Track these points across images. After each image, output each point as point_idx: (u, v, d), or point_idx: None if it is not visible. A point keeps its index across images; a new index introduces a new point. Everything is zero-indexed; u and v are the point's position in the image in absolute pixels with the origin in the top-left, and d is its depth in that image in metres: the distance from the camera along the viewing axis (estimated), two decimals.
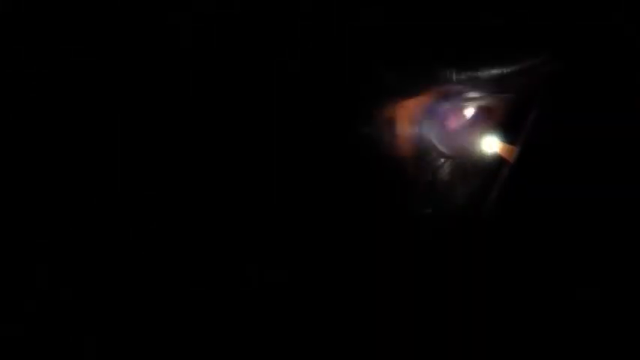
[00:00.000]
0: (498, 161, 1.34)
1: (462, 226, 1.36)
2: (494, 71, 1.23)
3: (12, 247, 1.21)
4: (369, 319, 1.27)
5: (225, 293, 1.26)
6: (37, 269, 1.23)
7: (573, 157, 1.26)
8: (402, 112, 1.30)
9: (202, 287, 1.27)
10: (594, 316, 1.22)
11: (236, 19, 1.22)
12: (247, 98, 1.26)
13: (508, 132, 1.32)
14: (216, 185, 1.28)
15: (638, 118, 1.21)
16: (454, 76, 1.22)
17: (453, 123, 1.33)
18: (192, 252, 1.26)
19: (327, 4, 1.20)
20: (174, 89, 1.25)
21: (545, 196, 1.28)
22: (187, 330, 1.25)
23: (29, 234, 1.22)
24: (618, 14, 1.19)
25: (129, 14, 1.21)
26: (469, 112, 1.33)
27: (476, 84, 1.26)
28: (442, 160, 1.34)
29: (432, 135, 1.32)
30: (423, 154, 1.33)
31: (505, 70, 1.23)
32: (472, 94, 1.30)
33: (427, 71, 1.22)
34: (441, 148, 1.33)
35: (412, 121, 1.31)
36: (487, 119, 1.32)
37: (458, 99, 1.31)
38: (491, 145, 1.33)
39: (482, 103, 1.33)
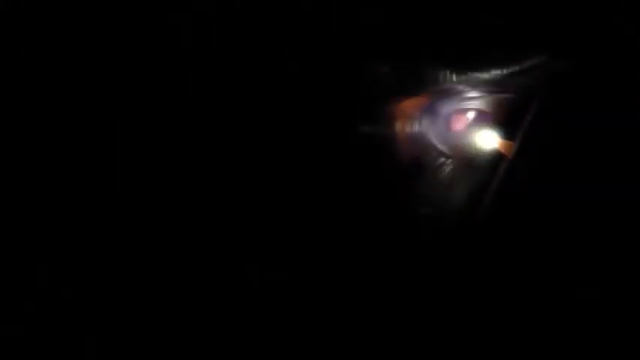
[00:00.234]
0: (498, 160, 1.34)
1: (462, 225, 1.36)
2: (495, 71, 1.23)
3: (12, 246, 1.20)
4: (369, 318, 1.27)
5: (225, 293, 1.26)
6: (37, 269, 1.23)
7: (573, 156, 1.26)
8: (402, 112, 1.30)
9: (202, 287, 1.27)
10: (594, 316, 1.23)
11: (236, 19, 1.22)
12: (247, 98, 1.26)
13: (508, 132, 1.32)
14: (216, 185, 1.28)
15: (638, 117, 1.21)
16: (454, 76, 1.22)
17: (453, 123, 1.33)
18: (192, 252, 1.26)
19: (327, 4, 1.20)
20: (175, 89, 1.25)
21: (543, 196, 1.28)
22: (187, 330, 1.25)
23: (29, 234, 1.22)
24: (618, 14, 1.19)
25: (129, 14, 1.21)
26: (469, 111, 1.33)
27: (476, 84, 1.26)
28: (442, 159, 1.34)
29: (432, 135, 1.32)
30: (423, 153, 1.33)
31: (505, 70, 1.23)
32: (472, 94, 1.30)
33: (427, 71, 1.22)
34: (441, 147, 1.33)
35: (412, 121, 1.31)
36: (487, 119, 1.32)
37: (458, 99, 1.31)
38: (491, 144, 1.33)
39: (483, 102, 1.33)
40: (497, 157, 1.33)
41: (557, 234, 1.26)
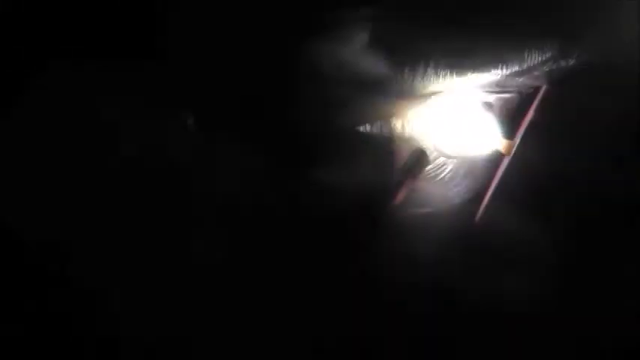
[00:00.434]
0: (498, 160, 1.34)
1: (462, 225, 1.36)
2: (495, 71, 1.23)
3: (12, 246, 1.20)
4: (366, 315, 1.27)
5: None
6: (37, 269, 1.22)
7: (572, 156, 1.27)
8: (402, 112, 1.30)
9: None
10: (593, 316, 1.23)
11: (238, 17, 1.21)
12: (249, 98, 1.26)
13: (508, 131, 1.32)
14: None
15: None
16: (455, 76, 1.22)
17: (453, 122, 1.33)
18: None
19: (327, 4, 1.20)
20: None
21: (542, 194, 1.29)
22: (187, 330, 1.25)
23: (29, 234, 1.22)
24: (618, 14, 1.19)
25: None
26: (470, 111, 1.33)
27: (477, 84, 1.26)
28: (442, 159, 1.34)
29: (432, 134, 1.33)
30: (423, 153, 1.33)
31: (505, 70, 1.23)
32: (473, 94, 1.30)
33: (428, 71, 1.22)
34: (442, 147, 1.33)
35: (413, 121, 1.31)
36: (488, 118, 1.33)
37: (459, 98, 1.31)
38: (491, 143, 1.33)
39: (483, 102, 1.33)
40: (497, 155, 1.34)
41: (552, 232, 1.26)
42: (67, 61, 1.20)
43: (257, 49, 1.22)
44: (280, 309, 1.24)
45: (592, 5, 1.19)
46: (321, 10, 1.20)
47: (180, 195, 1.23)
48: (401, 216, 1.32)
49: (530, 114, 1.30)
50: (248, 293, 1.23)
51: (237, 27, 1.23)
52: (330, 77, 1.21)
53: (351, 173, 1.26)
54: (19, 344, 1.17)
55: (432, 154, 1.33)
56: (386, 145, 1.30)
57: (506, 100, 1.32)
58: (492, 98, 1.32)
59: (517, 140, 1.31)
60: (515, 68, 1.22)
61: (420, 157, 1.32)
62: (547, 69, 1.23)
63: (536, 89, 1.29)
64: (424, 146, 1.32)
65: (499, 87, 1.29)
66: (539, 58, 1.21)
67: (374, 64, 1.22)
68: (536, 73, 1.24)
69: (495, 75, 1.24)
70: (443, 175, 1.36)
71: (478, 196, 1.36)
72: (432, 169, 1.35)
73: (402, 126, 1.30)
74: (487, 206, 1.35)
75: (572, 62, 1.22)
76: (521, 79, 1.26)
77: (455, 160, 1.35)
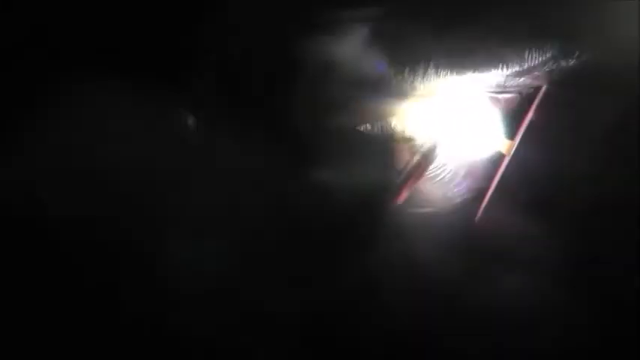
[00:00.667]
0: (498, 159, 1.34)
1: (462, 224, 1.36)
2: (495, 71, 1.23)
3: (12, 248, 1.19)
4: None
5: None
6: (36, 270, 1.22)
7: (572, 155, 1.27)
8: (403, 112, 1.30)
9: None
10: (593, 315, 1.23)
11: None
12: (249, 98, 1.26)
13: (508, 131, 1.32)
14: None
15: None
16: (455, 76, 1.22)
17: (454, 122, 1.33)
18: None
19: (328, 5, 1.20)
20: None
21: (542, 193, 1.28)
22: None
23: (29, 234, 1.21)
24: (618, 14, 1.19)
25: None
26: (470, 111, 1.33)
27: (477, 84, 1.26)
28: (442, 159, 1.34)
29: (433, 134, 1.33)
30: (424, 153, 1.33)
31: (505, 70, 1.23)
32: (473, 94, 1.30)
33: (429, 71, 1.22)
34: (442, 147, 1.33)
35: (413, 121, 1.31)
36: (488, 119, 1.33)
37: (459, 98, 1.31)
38: (491, 143, 1.33)
39: (484, 102, 1.33)
40: (498, 154, 1.34)
41: (551, 231, 1.26)
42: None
43: (257, 49, 1.22)
44: (280, 309, 1.24)
45: (592, 5, 1.18)
46: (322, 11, 1.19)
47: (180, 195, 1.23)
48: (401, 216, 1.32)
49: (530, 114, 1.30)
50: (248, 293, 1.22)
51: (237, 27, 1.23)
52: (331, 77, 1.21)
53: (352, 173, 1.26)
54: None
55: (432, 154, 1.33)
56: (386, 145, 1.30)
57: (506, 100, 1.32)
58: (492, 98, 1.32)
59: (517, 140, 1.31)
60: (516, 68, 1.22)
61: (420, 157, 1.32)
62: (547, 69, 1.23)
63: (536, 89, 1.29)
64: (424, 146, 1.32)
65: (499, 87, 1.29)
66: (540, 58, 1.21)
67: (374, 65, 1.22)
68: (536, 73, 1.24)
69: (495, 75, 1.24)
70: (443, 175, 1.36)
71: (478, 196, 1.36)
72: (432, 169, 1.35)
73: (403, 126, 1.30)
74: (487, 206, 1.35)
75: (572, 62, 1.22)
76: (521, 79, 1.26)
77: (455, 160, 1.35)
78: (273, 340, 1.21)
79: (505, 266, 1.28)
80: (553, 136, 1.29)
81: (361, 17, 1.22)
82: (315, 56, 1.22)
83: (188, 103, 1.25)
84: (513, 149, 1.31)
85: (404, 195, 1.31)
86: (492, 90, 1.30)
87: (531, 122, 1.30)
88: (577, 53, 1.20)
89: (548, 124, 1.29)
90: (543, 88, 1.28)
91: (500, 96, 1.31)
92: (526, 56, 1.21)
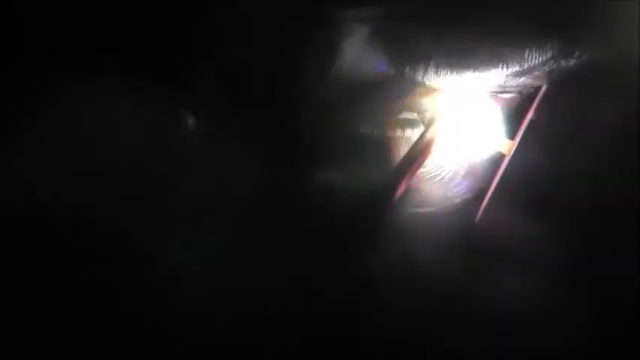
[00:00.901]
0: (498, 159, 1.34)
1: (462, 224, 1.36)
2: (495, 71, 1.23)
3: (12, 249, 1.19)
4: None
5: None
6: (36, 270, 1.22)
7: (572, 156, 1.27)
8: (403, 112, 1.30)
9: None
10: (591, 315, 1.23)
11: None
12: (249, 98, 1.26)
13: (508, 131, 1.32)
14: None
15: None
16: (455, 76, 1.22)
17: (454, 122, 1.33)
18: None
19: (328, 4, 1.20)
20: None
21: (542, 193, 1.29)
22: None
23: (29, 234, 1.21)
24: (618, 14, 1.19)
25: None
26: (470, 111, 1.34)
27: (477, 84, 1.26)
28: (442, 159, 1.35)
29: (433, 134, 1.33)
30: (423, 152, 1.33)
31: (505, 70, 1.23)
32: (473, 94, 1.30)
33: (429, 71, 1.22)
34: (442, 147, 1.33)
35: (413, 121, 1.31)
36: (488, 118, 1.33)
37: (460, 98, 1.31)
38: (491, 143, 1.33)
39: (484, 102, 1.33)
40: (498, 154, 1.34)
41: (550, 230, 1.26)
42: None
43: (257, 49, 1.22)
44: (280, 309, 1.24)
45: (592, 5, 1.18)
46: (322, 11, 1.19)
47: (180, 195, 1.23)
48: (401, 216, 1.32)
49: (530, 114, 1.30)
50: (248, 293, 1.22)
51: (236, 27, 1.23)
52: (331, 77, 1.21)
53: (352, 173, 1.26)
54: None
55: (432, 154, 1.33)
56: (386, 145, 1.30)
57: (506, 100, 1.33)
58: (492, 98, 1.32)
59: (517, 140, 1.31)
60: (516, 68, 1.22)
61: (420, 157, 1.32)
62: (547, 69, 1.23)
63: (536, 89, 1.29)
64: (425, 146, 1.32)
65: (499, 87, 1.29)
66: (540, 58, 1.21)
67: (374, 64, 1.22)
68: (536, 73, 1.24)
69: (495, 75, 1.24)
70: (443, 175, 1.36)
71: (478, 196, 1.36)
72: (432, 169, 1.35)
73: (403, 126, 1.30)
74: (487, 206, 1.35)
75: (572, 62, 1.22)
76: (521, 79, 1.26)
77: (455, 160, 1.35)
78: (272, 340, 1.21)
79: (505, 266, 1.28)
80: (553, 136, 1.29)
81: (361, 17, 1.22)
82: (315, 56, 1.22)
83: (188, 103, 1.25)
84: (513, 149, 1.31)
85: (404, 195, 1.31)
86: (492, 90, 1.31)
87: (531, 122, 1.30)
88: (577, 53, 1.20)
89: (549, 124, 1.29)
90: (543, 88, 1.28)
91: (500, 96, 1.31)
92: (526, 56, 1.21)
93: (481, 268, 1.28)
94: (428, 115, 1.31)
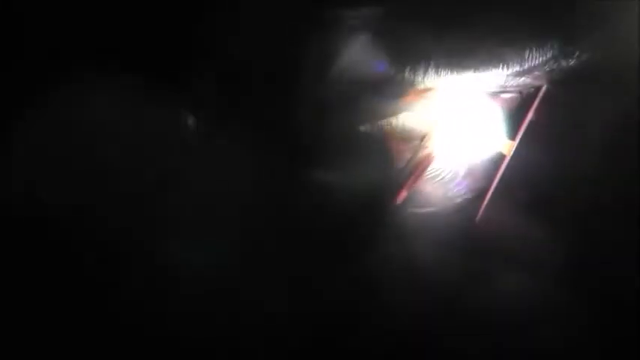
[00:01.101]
0: (498, 159, 1.34)
1: (462, 224, 1.36)
2: (495, 71, 1.23)
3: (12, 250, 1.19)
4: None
5: None
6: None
7: (572, 156, 1.27)
8: (403, 112, 1.30)
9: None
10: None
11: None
12: (249, 98, 1.26)
13: (508, 131, 1.32)
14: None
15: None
16: (455, 76, 1.22)
17: (454, 122, 1.33)
18: None
19: (327, 4, 1.20)
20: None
21: (542, 194, 1.29)
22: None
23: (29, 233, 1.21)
24: (618, 14, 1.19)
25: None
26: (470, 111, 1.34)
27: (477, 84, 1.26)
28: (443, 159, 1.35)
29: (433, 134, 1.33)
30: (423, 152, 1.33)
31: (505, 70, 1.23)
32: (473, 94, 1.30)
33: (429, 71, 1.22)
34: (443, 147, 1.33)
35: (413, 121, 1.31)
36: (488, 118, 1.33)
37: (460, 98, 1.31)
38: (491, 143, 1.33)
39: (484, 102, 1.33)
40: (498, 154, 1.34)
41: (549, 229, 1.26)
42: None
43: (257, 49, 1.22)
44: (280, 309, 1.24)
45: (592, 5, 1.18)
46: (322, 10, 1.19)
47: (180, 195, 1.23)
48: (401, 216, 1.32)
49: (530, 114, 1.30)
50: (247, 293, 1.22)
51: (236, 27, 1.23)
52: (331, 77, 1.21)
53: (352, 173, 1.26)
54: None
55: (432, 154, 1.33)
56: (386, 145, 1.30)
57: (506, 100, 1.33)
58: (492, 98, 1.32)
59: (517, 140, 1.31)
60: (516, 68, 1.22)
61: (420, 157, 1.32)
62: (547, 69, 1.23)
63: (537, 89, 1.29)
64: (425, 146, 1.32)
65: (499, 87, 1.29)
66: (540, 58, 1.21)
67: (374, 64, 1.22)
68: (536, 73, 1.24)
69: (495, 75, 1.24)
70: (443, 175, 1.36)
71: (478, 196, 1.36)
72: (432, 169, 1.35)
73: (403, 126, 1.30)
74: (487, 206, 1.35)
75: (572, 62, 1.22)
76: (521, 79, 1.26)
77: (455, 160, 1.35)
78: (272, 340, 1.22)
79: (505, 266, 1.28)
80: (553, 136, 1.29)
81: (361, 17, 1.22)
82: (315, 56, 1.22)
83: (188, 103, 1.25)
84: (513, 149, 1.31)
85: (404, 195, 1.32)
86: (492, 90, 1.30)
87: (531, 122, 1.30)
88: (577, 53, 1.20)
89: (549, 124, 1.29)
90: (543, 88, 1.28)
91: (500, 96, 1.31)
92: (526, 56, 1.21)
93: (481, 268, 1.28)
94: (428, 115, 1.31)
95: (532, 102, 1.30)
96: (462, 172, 1.36)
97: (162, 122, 1.25)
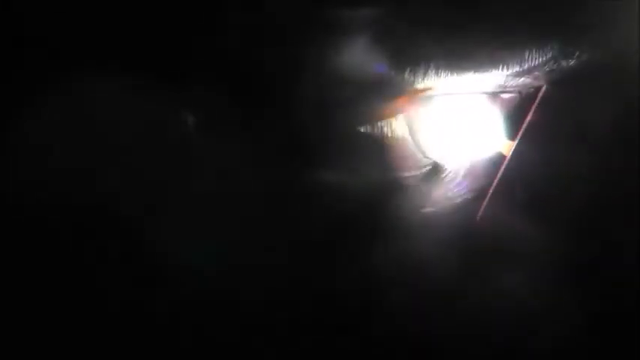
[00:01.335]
0: (498, 159, 1.34)
1: (462, 224, 1.37)
2: (495, 71, 1.23)
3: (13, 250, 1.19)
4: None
5: None
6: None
7: (572, 155, 1.27)
8: (403, 113, 1.30)
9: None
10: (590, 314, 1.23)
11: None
12: (250, 99, 1.26)
13: (508, 131, 1.32)
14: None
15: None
16: (455, 77, 1.23)
17: (454, 123, 1.33)
18: None
19: (328, 5, 1.20)
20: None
21: (542, 193, 1.29)
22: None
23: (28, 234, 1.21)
24: (618, 14, 1.19)
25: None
26: (471, 111, 1.34)
27: (477, 84, 1.26)
28: (443, 159, 1.35)
29: (433, 134, 1.33)
30: (424, 153, 1.33)
31: (505, 71, 1.23)
32: (474, 94, 1.31)
33: (429, 72, 1.22)
34: (443, 147, 1.33)
35: (414, 121, 1.31)
36: (488, 119, 1.33)
37: (460, 99, 1.31)
38: (491, 143, 1.33)
39: (484, 102, 1.33)
40: (497, 154, 1.34)
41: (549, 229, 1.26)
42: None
43: (257, 50, 1.22)
44: (280, 309, 1.24)
45: (592, 5, 1.19)
46: (322, 11, 1.20)
47: (180, 195, 1.23)
48: (402, 216, 1.32)
49: (530, 114, 1.30)
50: (247, 293, 1.22)
51: (236, 27, 1.23)
52: (332, 78, 1.21)
53: (352, 173, 1.26)
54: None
55: (432, 155, 1.33)
56: (386, 146, 1.30)
57: (506, 100, 1.33)
58: (492, 98, 1.32)
59: (517, 140, 1.31)
60: (516, 68, 1.23)
61: (420, 157, 1.32)
62: (547, 69, 1.24)
63: (536, 89, 1.29)
64: (425, 146, 1.32)
65: (499, 87, 1.29)
66: (539, 59, 1.21)
67: (375, 65, 1.22)
68: (536, 73, 1.24)
69: (495, 75, 1.24)
70: (443, 175, 1.36)
71: (478, 196, 1.36)
72: (432, 169, 1.35)
73: (403, 126, 1.31)
74: (487, 206, 1.35)
75: (572, 62, 1.22)
76: (521, 79, 1.26)
77: (455, 160, 1.35)
78: (272, 340, 1.22)
79: (506, 265, 1.28)
80: (553, 136, 1.29)
81: (361, 18, 1.22)
82: (315, 56, 1.22)
83: (188, 103, 1.25)
84: (513, 149, 1.31)
85: (404, 195, 1.32)
86: (492, 90, 1.31)
87: (531, 122, 1.31)
88: (577, 53, 1.20)
89: (548, 124, 1.29)
90: (543, 88, 1.28)
91: (500, 96, 1.31)
92: (526, 56, 1.21)
93: (482, 267, 1.28)
94: (428, 115, 1.32)
95: (532, 102, 1.30)
96: (462, 172, 1.37)
97: (162, 122, 1.25)
